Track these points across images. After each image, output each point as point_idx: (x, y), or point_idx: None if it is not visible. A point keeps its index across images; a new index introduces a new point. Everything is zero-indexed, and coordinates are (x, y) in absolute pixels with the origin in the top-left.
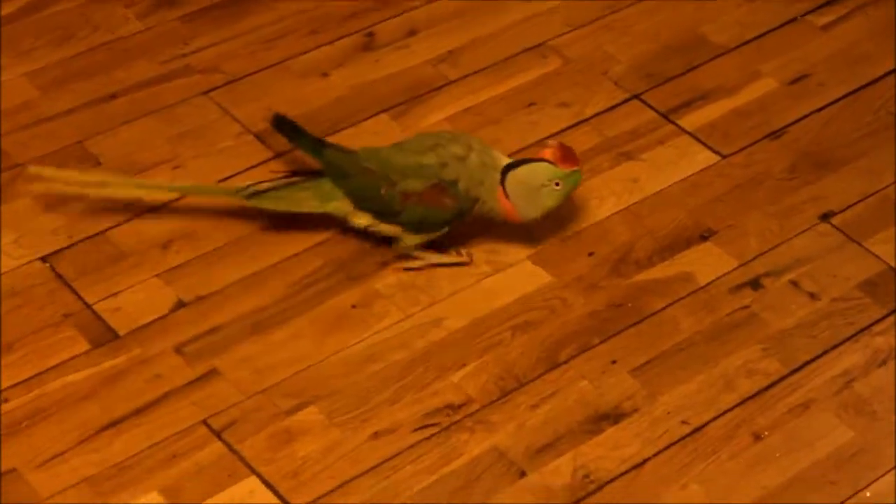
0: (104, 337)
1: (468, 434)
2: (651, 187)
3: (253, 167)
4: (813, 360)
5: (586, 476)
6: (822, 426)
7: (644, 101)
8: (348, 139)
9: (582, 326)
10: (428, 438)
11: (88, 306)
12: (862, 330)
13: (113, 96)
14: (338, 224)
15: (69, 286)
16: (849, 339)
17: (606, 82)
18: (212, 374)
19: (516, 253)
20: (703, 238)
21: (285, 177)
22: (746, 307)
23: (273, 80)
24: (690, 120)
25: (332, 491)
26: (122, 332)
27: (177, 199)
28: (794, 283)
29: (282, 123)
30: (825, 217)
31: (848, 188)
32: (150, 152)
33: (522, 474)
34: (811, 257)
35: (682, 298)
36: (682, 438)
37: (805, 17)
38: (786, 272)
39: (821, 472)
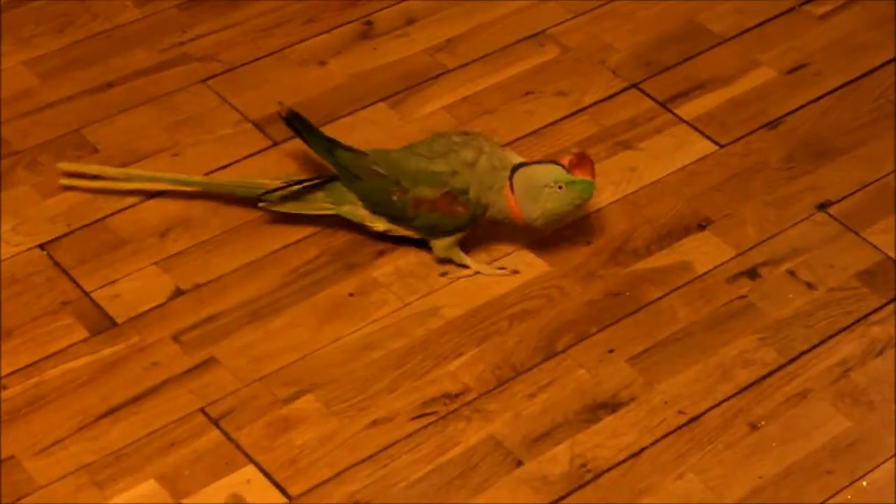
0: (102, 324)
1: (465, 423)
2: (649, 176)
3: (251, 155)
4: (810, 350)
5: (583, 465)
6: (819, 416)
7: (642, 90)
8: (346, 128)
9: (579, 315)
10: (425, 427)
11: (87, 294)
12: (859, 320)
13: (111, 84)
14: (354, 226)
15: (67, 274)
16: (846, 328)
17: (604, 71)
18: (209, 362)
19: (514, 242)
20: (701, 227)
21: (299, 182)
22: (744, 297)
23: (271, 69)
24: (688, 109)
25: (329, 479)
26: (120, 320)
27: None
28: (792, 273)
29: (294, 119)
30: (822, 207)
31: (845, 178)
32: (149, 140)
33: (519, 463)
34: (808, 247)
35: (679, 288)
36: (679, 428)
37: (803, 7)
38: (783, 262)
39: (817, 461)
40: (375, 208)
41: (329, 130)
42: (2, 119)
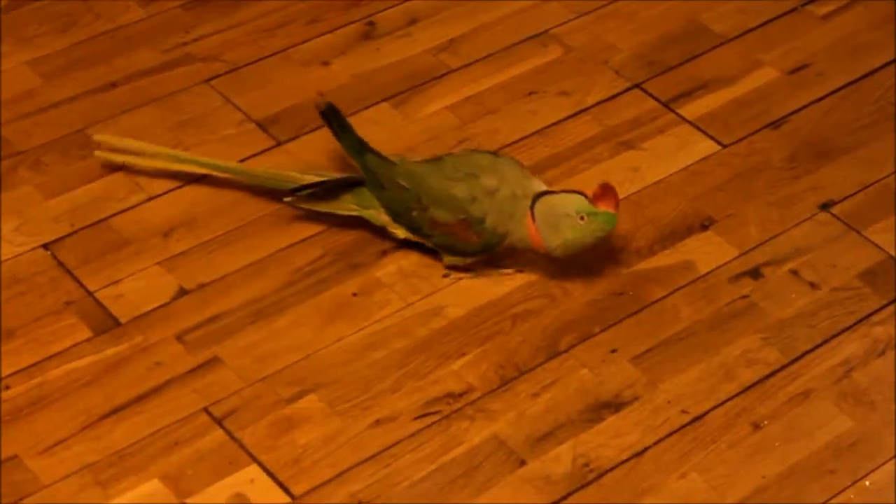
0: (106, 324)
1: (468, 422)
2: (652, 176)
3: (254, 155)
4: (812, 350)
5: (586, 464)
6: (822, 415)
7: (645, 91)
8: None
9: (582, 315)
10: (428, 427)
11: (90, 294)
12: (861, 320)
13: (115, 84)
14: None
15: (71, 274)
16: (848, 328)
17: (607, 71)
18: (213, 361)
19: None
20: (704, 227)
21: (328, 182)
22: (746, 296)
23: (275, 69)
24: (691, 109)
25: (332, 479)
26: (123, 320)
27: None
28: (794, 273)
29: (331, 114)
30: (825, 206)
31: (848, 178)
32: (152, 140)
33: (522, 463)
34: (811, 247)
35: (682, 287)
36: (682, 427)
37: (805, 7)
38: (786, 261)
39: (820, 461)
40: (396, 218)
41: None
42: (5, 119)
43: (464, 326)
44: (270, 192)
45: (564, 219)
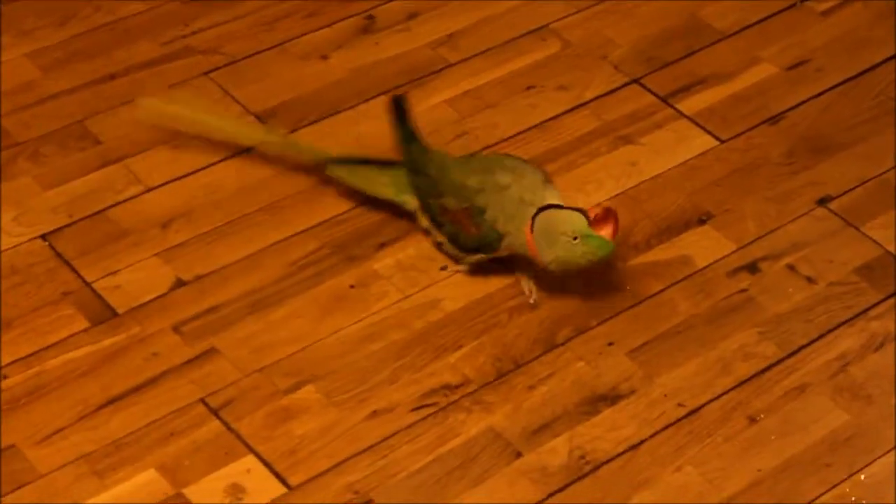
0: (103, 315)
1: (465, 414)
2: (650, 171)
3: (253, 147)
4: (809, 344)
5: (582, 457)
6: (818, 409)
7: (643, 86)
8: (348, 122)
9: (579, 308)
10: (425, 418)
11: (88, 284)
12: (858, 314)
13: (113, 76)
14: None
15: (69, 264)
16: (845, 323)
17: (606, 66)
18: (210, 352)
19: None
20: (702, 222)
21: (367, 160)
22: (744, 291)
23: (273, 62)
24: (689, 104)
25: (329, 469)
26: (121, 311)
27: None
28: (792, 268)
29: (398, 104)
30: (823, 202)
31: (846, 173)
32: (151, 132)
33: (518, 455)
34: (808, 242)
35: (679, 281)
36: (679, 420)
37: (805, 3)
38: (783, 256)
39: (816, 454)
40: (422, 205)
41: (330, 124)
42: (4, 111)
43: (461, 319)
44: (310, 168)
45: (560, 236)
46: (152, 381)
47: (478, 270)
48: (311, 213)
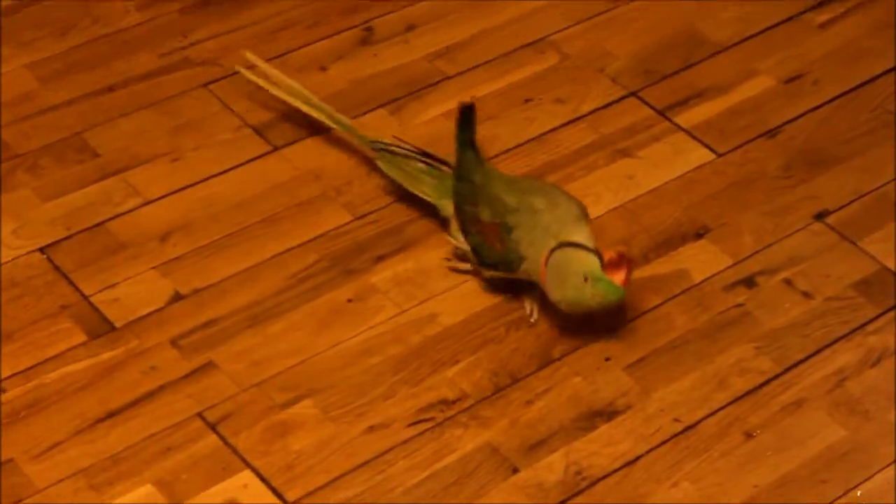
0: (101, 328)
1: (462, 429)
2: (647, 184)
3: (252, 160)
4: (806, 359)
5: (579, 473)
6: (815, 425)
7: (641, 98)
8: (346, 134)
9: (576, 323)
10: (422, 433)
11: (86, 298)
12: (855, 329)
13: (112, 88)
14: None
15: (67, 277)
16: (842, 338)
17: (603, 79)
18: (207, 366)
19: None
20: (699, 236)
21: (417, 150)
22: (740, 305)
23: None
24: (687, 117)
25: (325, 485)
26: (118, 324)
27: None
28: (788, 282)
29: (466, 111)
30: (820, 216)
31: (843, 187)
32: (149, 144)
33: (515, 470)
34: (805, 256)
35: (676, 296)
36: (675, 436)
37: (803, 15)
38: (780, 271)
39: (812, 470)
40: (457, 210)
41: (329, 136)
42: (3, 122)
43: (458, 333)
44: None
45: (571, 276)
46: (150, 395)
47: (475, 286)
48: (309, 226)
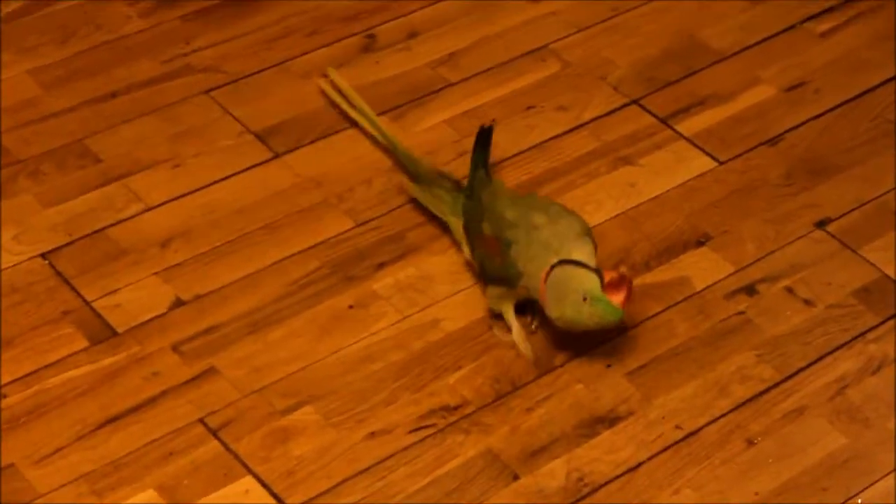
0: (103, 334)
1: (463, 436)
2: (648, 192)
3: (253, 167)
4: (807, 367)
5: (580, 479)
6: (816, 432)
7: (643, 106)
8: (347, 140)
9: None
10: (423, 440)
11: (87, 303)
12: (856, 337)
13: (114, 94)
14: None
15: (68, 283)
16: (843, 346)
17: (605, 87)
18: (209, 372)
19: None
20: (700, 243)
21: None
22: (742, 313)
23: (273, 81)
24: (688, 125)
25: (327, 491)
26: (120, 330)
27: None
28: (790, 290)
29: (484, 133)
30: (821, 224)
31: (844, 196)
32: (151, 150)
33: (516, 477)
34: (806, 264)
35: (678, 303)
36: (676, 443)
37: (804, 24)
38: (781, 278)
39: (813, 478)
40: (465, 228)
41: (330, 143)
42: (5, 128)
43: (460, 340)
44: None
45: (571, 294)
46: (151, 401)
47: (477, 293)
48: (310, 232)
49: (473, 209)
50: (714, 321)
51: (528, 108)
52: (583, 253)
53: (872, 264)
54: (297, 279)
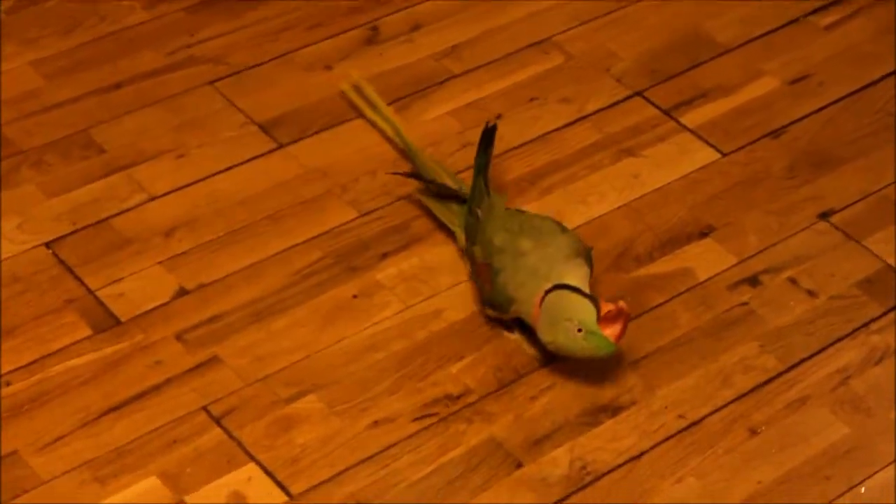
0: (106, 323)
1: (466, 424)
2: (652, 183)
3: (256, 157)
4: (810, 357)
5: (583, 468)
6: (818, 422)
7: (646, 98)
8: (351, 132)
9: None
10: (426, 428)
11: (91, 292)
12: (859, 328)
13: (118, 86)
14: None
15: (72, 272)
16: (846, 336)
17: (608, 79)
18: (212, 361)
19: None
20: (703, 235)
21: (435, 184)
22: (745, 304)
23: (277, 72)
24: (692, 117)
25: (330, 479)
26: (124, 319)
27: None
28: (793, 281)
29: (490, 133)
30: (824, 216)
31: (847, 187)
32: (155, 141)
33: (519, 465)
34: (810, 255)
35: (681, 294)
36: (679, 432)
37: (808, 17)
38: (784, 269)
39: (816, 467)
40: (465, 248)
41: (334, 134)
42: (8, 119)
43: (463, 329)
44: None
45: (565, 322)
46: (155, 389)
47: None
48: (313, 222)
49: (471, 227)
50: (717, 312)
51: (532, 99)
52: (575, 276)
53: (875, 255)
54: (301, 269)
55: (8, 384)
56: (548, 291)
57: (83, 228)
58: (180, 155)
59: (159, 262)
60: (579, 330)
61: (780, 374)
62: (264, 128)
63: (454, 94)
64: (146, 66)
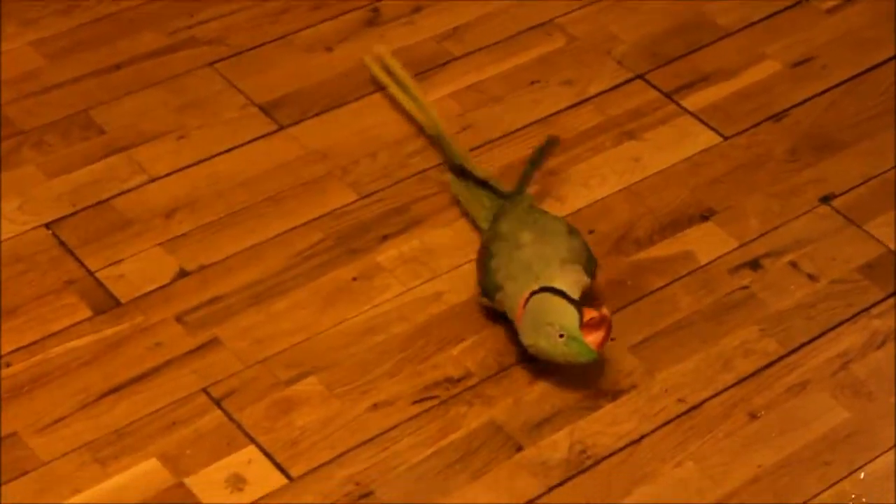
0: (106, 304)
1: (466, 407)
2: (653, 167)
3: (256, 139)
4: (811, 342)
5: (583, 451)
6: (819, 407)
7: (647, 81)
8: (351, 114)
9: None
10: (426, 411)
11: (91, 273)
12: (860, 312)
13: (118, 66)
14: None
15: (72, 253)
16: (847, 320)
17: (610, 61)
18: (212, 343)
19: None
20: (704, 218)
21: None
22: (746, 287)
23: (277, 54)
24: (693, 100)
25: (330, 461)
26: (124, 300)
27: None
28: (794, 265)
29: (546, 148)
30: (826, 199)
31: (849, 171)
32: (155, 122)
33: (519, 448)
34: (811, 239)
35: (681, 277)
36: (679, 416)
37: (810, 1)
38: (785, 253)
39: (816, 452)
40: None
41: (334, 116)
42: (8, 99)
43: (463, 312)
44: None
45: (546, 326)
46: (155, 371)
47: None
48: (314, 204)
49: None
50: (718, 295)
51: (533, 82)
52: (564, 281)
53: (877, 240)
54: (301, 251)
55: (8, 365)
56: (533, 293)
57: (83, 209)
58: (181, 136)
59: (159, 244)
60: (561, 335)
61: (780, 359)
62: (265, 109)
63: (455, 76)
64: (146, 47)
